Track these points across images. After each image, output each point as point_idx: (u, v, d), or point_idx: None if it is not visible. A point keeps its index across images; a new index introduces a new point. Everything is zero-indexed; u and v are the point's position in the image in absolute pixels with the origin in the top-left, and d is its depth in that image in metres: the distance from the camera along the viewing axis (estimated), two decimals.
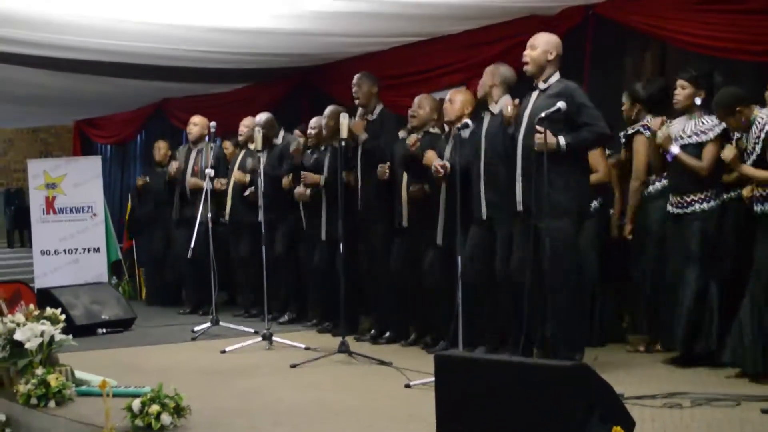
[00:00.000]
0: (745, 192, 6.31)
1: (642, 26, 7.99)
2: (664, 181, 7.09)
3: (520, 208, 6.62)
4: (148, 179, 12.01)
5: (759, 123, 6.10)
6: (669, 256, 6.91)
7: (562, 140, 6.32)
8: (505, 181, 6.77)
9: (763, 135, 6.04)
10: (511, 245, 6.80)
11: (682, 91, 6.84)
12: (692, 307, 6.65)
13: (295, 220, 9.67)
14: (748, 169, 6.13)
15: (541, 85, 6.65)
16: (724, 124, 6.61)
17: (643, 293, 7.28)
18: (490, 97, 7.17)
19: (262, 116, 9.94)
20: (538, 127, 6.34)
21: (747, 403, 5.46)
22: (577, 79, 8.19)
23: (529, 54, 6.71)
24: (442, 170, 7.29)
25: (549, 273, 6.29)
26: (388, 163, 8.09)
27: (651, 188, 7.23)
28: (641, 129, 7.28)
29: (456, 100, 7.53)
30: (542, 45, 6.66)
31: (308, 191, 9.16)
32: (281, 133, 9.99)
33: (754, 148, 6.11)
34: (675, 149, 6.69)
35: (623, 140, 7.52)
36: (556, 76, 6.64)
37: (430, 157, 7.49)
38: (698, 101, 6.76)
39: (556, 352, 6.29)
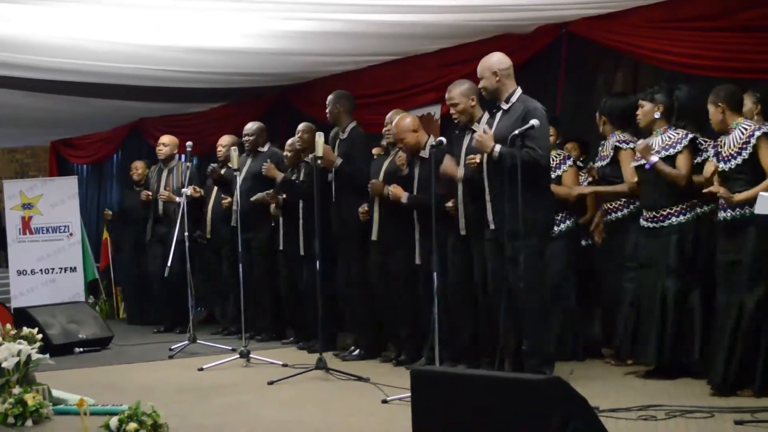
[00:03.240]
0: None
1: (614, 44, 8.08)
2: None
3: (492, 226, 6.70)
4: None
5: (744, 130, 6.15)
6: (642, 270, 6.96)
7: (497, 148, 6.42)
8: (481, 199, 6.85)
9: (753, 141, 6.08)
10: (485, 261, 6.86)
11: (641, 110, 6.96)
12: (673, 320, 6.70)
13: (269, 236, 9.67)
14: (739, 196, 6.14)
15: (504, 105, 6.71)
16: (691, 135, 6.71)
17: (620, 307, 7.33)
18: (473, 117, 7.17)
19: (253, 125, 9.98)
20: (485, 128, 6.57)
21: (720, 415, 5.52)
22: (551, 95, 8.34)
23: (481, 85, 6.85)
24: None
25: (518, 288, 6.34)
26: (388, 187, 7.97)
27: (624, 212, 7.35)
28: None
29: (406, 132, 7.57)
30: (486, 72, 6.71)
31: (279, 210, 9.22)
32: (267, 145, 10.00)
33: (739, 153, 6.15)
34: (654, 158, 6.74)
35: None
36: (518, 94, 6.70)
37: (397, 194, 7.61)
38: (657, 115, 6.86)
39: (528, 366, 6.33)
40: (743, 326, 6.10)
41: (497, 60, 6.74)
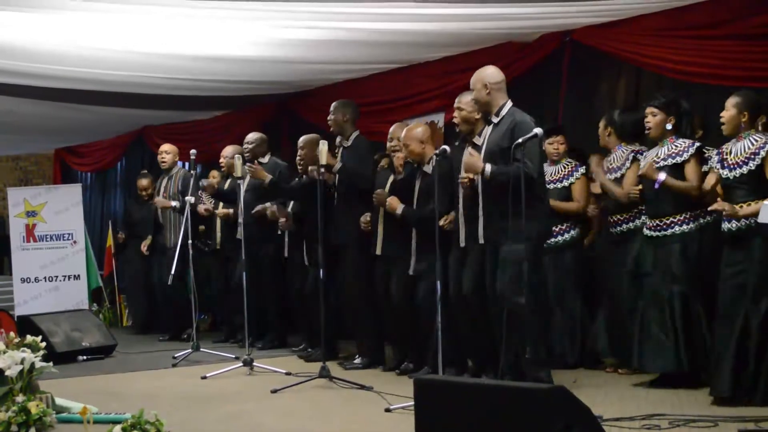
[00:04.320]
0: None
1: (617, 52, 8.10)
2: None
3: (482, 240, 6.75)
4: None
5: (754, 142, 6.15)
6: (646, 279, 6.94)
7: (488, 168, 6.50)
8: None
9: (762, 153, 6.09)
10: (480, 272, 6.89)
11: (653, 118, 6.91)
12: (678, 329, 6.68)
13: (277, 246, 9.67)
14: (745, 210, 6.13)
15: (494, 119, 6.77)
16: (698, 144, 6.71)
17: (624, 316, 7.32)
18: (474, 129, 7.18)
19: (253, 135, 9.92)
20: (470, 149, 6.66)
21: (724, 424, 5.50)
22: (554, 104, 8.35)
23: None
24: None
25: (510, 296, 6.37)
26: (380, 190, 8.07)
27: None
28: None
29: (413, 140, 7.60)
30: (478, 84, 6.78)
31: (290, 222, 9.20)
32: (268, 156, 9.96)
33: (746, 162, 6.14)
34: (662, 176, 6.72)
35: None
36: (507, 107, 6.74)
37: (393, 206, 7.64)
38: (669, 126, 6.84)
39: (527, 373, 6.35)
40: (752, 339, 6.09)
41: (489, 73, 6.81)
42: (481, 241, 6.75)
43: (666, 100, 6.88)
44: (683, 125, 6.85)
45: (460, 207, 7.12)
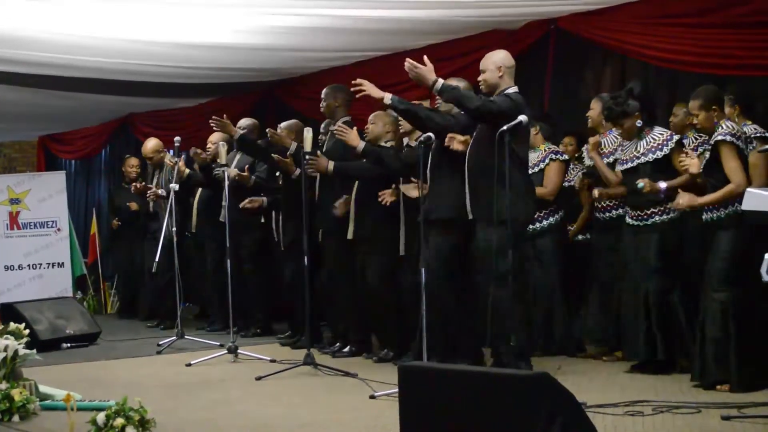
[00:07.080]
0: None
1: (603, 40, 8.10)
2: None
3: (471, 216, 6.76)
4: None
5: (721, 130, 6.18)
6: (628, 267, 6.97)
7: (440, 82, 6.59)
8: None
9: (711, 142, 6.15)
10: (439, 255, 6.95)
11: (622, 128, 6.92)
12: (655, 318, 6.72)
13: (261, 232, 9.66)
14: (701, 199, 6.17)
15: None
16: (676, 136, 6.74)
17: (609, 304, 7.35)
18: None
19: (245, 121, 9.86)
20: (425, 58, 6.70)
21: (707, 411, 5.54)
22: (539, 91, 8.34)
23: (482, 78, 6.85)
24: None
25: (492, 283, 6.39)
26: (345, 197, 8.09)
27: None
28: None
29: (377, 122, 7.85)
30: (491, 65, 6.74)
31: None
32: (258, 142, 9.91)
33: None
34: (663, 185, 6.71)
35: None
36: (510, 91, 6.68)
37: (323, 164, 7.83)
38: (639, 123, 6.85)
39: (506, 360, 6.37)
40: (729, 326, 6.14)
41: (504, 56, 6.77)
42: (470, 216, 6.75)
43: (620, 110, 6.83)
44: (645, 115, 6.85)
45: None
